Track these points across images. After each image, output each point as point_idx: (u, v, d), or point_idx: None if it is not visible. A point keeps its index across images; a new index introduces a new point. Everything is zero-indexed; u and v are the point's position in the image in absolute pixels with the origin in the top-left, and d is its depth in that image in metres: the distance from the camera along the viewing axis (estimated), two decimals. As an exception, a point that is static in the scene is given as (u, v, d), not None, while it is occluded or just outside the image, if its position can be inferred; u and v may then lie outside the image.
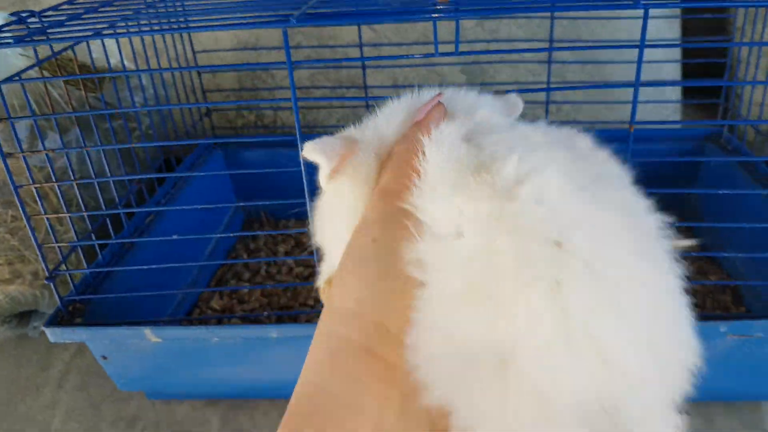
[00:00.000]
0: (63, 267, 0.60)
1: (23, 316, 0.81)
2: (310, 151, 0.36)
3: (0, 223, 0.73)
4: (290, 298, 0.80)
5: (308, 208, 0.53)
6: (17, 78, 0.56)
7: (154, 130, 0.85)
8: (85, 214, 0.63)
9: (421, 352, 0.27)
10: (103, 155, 0.70)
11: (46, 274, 0.59)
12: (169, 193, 0.85)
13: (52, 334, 0.58)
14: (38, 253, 0.57)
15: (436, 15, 0.43)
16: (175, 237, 0.63)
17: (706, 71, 0.95)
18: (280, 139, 1.03)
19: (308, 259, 0.87)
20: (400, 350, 0.27)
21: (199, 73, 0.97)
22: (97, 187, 0.66)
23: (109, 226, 0.69)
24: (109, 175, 0.71)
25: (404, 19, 0.44)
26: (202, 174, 0.93)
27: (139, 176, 0.78)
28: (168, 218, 0.81)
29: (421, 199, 0.31)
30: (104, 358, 0.62)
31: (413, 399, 0.27)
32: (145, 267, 0.63)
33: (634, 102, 0.52)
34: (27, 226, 0.57)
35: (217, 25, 0.47)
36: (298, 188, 0.52)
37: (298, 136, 0.51)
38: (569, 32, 0.96)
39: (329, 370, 0.28)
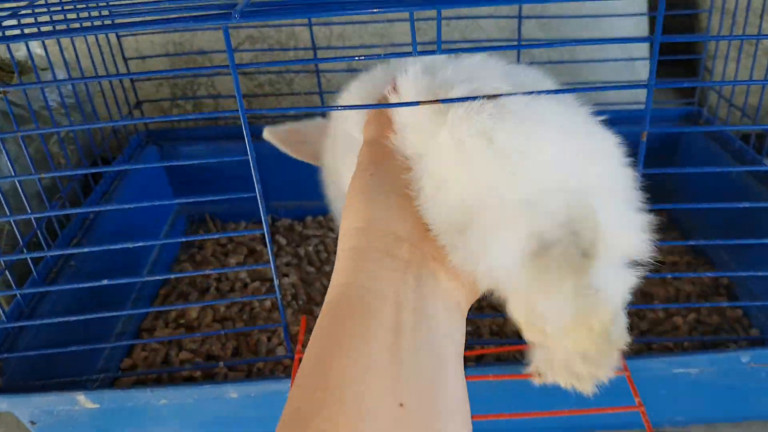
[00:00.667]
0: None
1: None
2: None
3: None
4: (247, 319, 0.71)
5: (261, 207, 0.44)
6: None
7: (75, 134, 0.73)
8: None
9: (430, 218, 0.35)
10: (11, 169, 0.58)
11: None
12: (99, 202, 0.73)
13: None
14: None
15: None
16: (103, 281, 0.52)
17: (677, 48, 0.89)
18: (223, 131, 0.93)
19: (264, 268, 0.78)
20: (410, 248, 0.35)
21: (125, 59, 0.85)
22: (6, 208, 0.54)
23: (29, 261, 0.58)
24: (22, 193, 0.59)
25: (370, 11, 0.34)
26: (135, 171, 0.82)
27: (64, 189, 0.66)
28: (98, 232, 0.70)
29: (398, 135, 0.39)
30: (33, 423, 0.52)
31: (424, 276, 0.34)
32: (69, 318, 0.52)
33: (648, 105, 0.44)
34: None
35: (147, 21, 0.36)
36: (246, 185, 0.43)
37: (249, 150, 0.42)
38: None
39: (354, 272, 0.34)
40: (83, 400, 0.46)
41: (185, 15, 0.35)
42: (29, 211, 0.59)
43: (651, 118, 0.81)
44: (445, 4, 0.34)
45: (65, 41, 0.73)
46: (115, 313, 0.57)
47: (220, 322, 0.70)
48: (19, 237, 0.56)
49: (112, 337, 0.67)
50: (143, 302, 0.73)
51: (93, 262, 0.67)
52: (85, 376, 0.59)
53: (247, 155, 0.41)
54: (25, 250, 0.58)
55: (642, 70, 0.94)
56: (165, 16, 0.36)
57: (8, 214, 0.54)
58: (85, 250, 0.62)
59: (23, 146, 0.61)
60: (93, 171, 0.64)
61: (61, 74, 0.71)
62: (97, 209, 0.55)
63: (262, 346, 0.66)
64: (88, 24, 0.64)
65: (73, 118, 0.74)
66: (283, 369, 0.63)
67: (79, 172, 0.47)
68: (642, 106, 0.46)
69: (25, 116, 0.69)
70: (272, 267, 0.46)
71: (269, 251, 0.46)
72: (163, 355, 0.66)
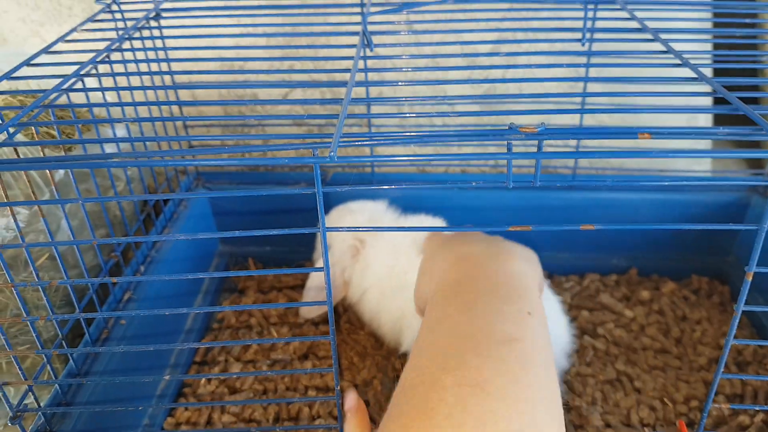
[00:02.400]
0: (30, 400, 0.49)
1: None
2: None
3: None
4: (288, 383, 0.70)
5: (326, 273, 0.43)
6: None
7: (135, 186, 0.74)
8: (53, 318, 0.52)
9: None
10: (71, 233, 0.59)
11: (9, 413, 0.48)
12: (149, 256, 0.74)
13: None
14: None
15: (516, 143, 0.33)
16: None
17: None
18: (271, 176, 0.93)
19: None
20: None
21: (180, 107, 0.86)
22: (71, 290, 0.55)
23: (83, 323, 0.58)
24: (79, 251, 0.60)
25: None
26: (183, 217, 0.82)
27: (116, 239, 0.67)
28: (148, 284, 0.70)
29: None
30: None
31: None
32: (117, 378, 0.53)
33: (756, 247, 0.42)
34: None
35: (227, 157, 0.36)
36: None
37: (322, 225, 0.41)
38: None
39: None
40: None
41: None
42: (84, 267, 0.60)
43: (717, 187, 0.80)
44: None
45: (124, 93, 0.74)
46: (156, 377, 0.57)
47: (261, 383, 0.70)
48: (73, 296, 0.56)
49: (158, 392, 0.67)
50: (188, 354, 0.73)
51: (142, 318, 0.68)
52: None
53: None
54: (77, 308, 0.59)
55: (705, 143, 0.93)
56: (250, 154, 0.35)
57: (64, 270, 0.54)
58: (133, 313, 0.62)
59: (81, 205, 0.61)
60: (135, 241, 0.64)
61: (120, 129, 0.72)
62: (138, 280, 0.55)
63: (304, 415, 0.66)
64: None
65: (130, 172, 0.75)
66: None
67: (125, 240, 0.46)
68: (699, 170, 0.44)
69: (84, 171, 0.69)
70: (331, 333, 0.45)
71: (329, 307, 0.44)
72: (206, 416, 0.66)
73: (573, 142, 0.82)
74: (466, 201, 0.83)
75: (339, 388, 0.47)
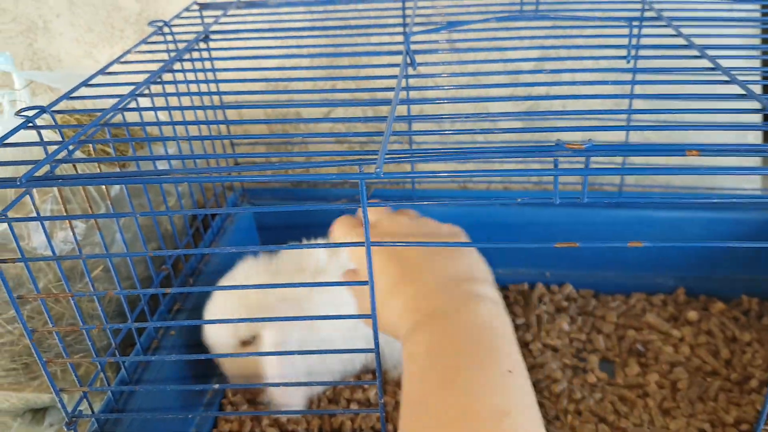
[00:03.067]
0: (84, 407, 0.51)
1: (38, 410, 0.73)
2: None
3: (13, 323, 0.64)
4: (330, 396, 0.71)
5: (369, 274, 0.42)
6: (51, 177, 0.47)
7: (186, 201, 0.76)
8: (107, 327, 0.54)
9: None
10: (125, 246, 0.61)
11: (66, 419, 0.50)
12: (197, 269, 0.76)
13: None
14: (55, 396, 0.48)
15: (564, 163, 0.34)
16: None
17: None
18: (313, 192, 0.95)
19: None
20: None
21: (228, 127, 0.88)
22: (124, 300, 0.57)
23: (134, 333, 0.60)
24: (132, 263, 0.62)
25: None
26: (230, 230, 0.84)
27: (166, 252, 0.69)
28: (196, 298, 0.72)
29: None
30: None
31: None
32: (168, 387, 0.54)
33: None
34: (38, 361, 0.48)
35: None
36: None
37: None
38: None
39: None
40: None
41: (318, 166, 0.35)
42: (136, 278, 0.62)
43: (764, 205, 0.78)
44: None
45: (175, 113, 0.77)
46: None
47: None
48: (126, 306, 0.58)
49: (204, 401, 0.69)
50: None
51: (189, 329, 0.69)
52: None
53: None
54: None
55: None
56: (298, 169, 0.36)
57: (118, 281, 0.56)
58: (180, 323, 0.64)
59: (135, 219, 0.64)
60: (186, 253, 0.66)
61: (172, 147, 0.74)
62: (188, 291, 0.57)
63: (346, 429, 0.67)
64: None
65: (181, 187, 0.77)
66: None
67: (176, 252, 0.47)
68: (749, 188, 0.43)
69: (138, 186, 0.72)
70: (376, 346, 0.45)
71: (374, 322, 0.44)
72: (249, 428, 0.67)
73: (618, 159, 0.81)
74: (509, 218, 0.83)
75: (383, 401, 0.47)
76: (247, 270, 0.67)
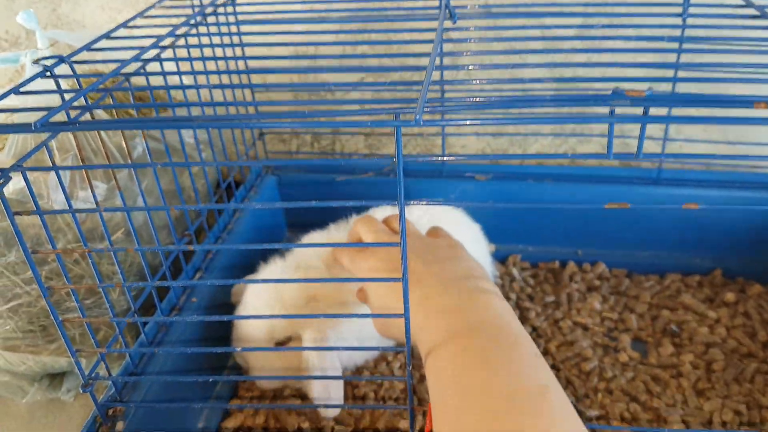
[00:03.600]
0: (103, 371, 0.50)
1: (55, 376, 0.72)
2: None
3: (31, 283, 0.63)
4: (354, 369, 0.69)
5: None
6: (70, 122, 0.45)
7: (205, 169, 0.74)
8: (125, 286, 0.53)
9: None
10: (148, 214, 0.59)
11: (82, 381, 0.48)
12: (220, 237, 0.74)
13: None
14: (71, 356, 0.46)
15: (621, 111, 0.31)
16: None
17: None
18: (339, 164, 0.93)
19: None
20: None
21: (252, 91, 0.86)
22: (143, 258, 0.55)
23: (155, 295, 0.59)
24: (153, 229, 0.61)
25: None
26: (253, 199, 0.82)
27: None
28: (220, 261, 0.71)
29: None
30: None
31: None
32: (188, 350, 0.53)
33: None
34: (54, 320, 0.46)
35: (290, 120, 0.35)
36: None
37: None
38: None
39: None
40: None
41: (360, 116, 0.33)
42: (158, 243, 0.61)
43: None
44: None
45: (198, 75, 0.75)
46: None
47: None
48: (145, 265, 0.57)
49: (226, 370, 0.67)
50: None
51: (211, 294, 0.68)
52: (199, 404, 0.60)
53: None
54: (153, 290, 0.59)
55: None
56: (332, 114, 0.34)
57: (137, 241, 0.54)
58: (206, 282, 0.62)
59: (156, 180, 0.62)
60: (210, 208, 0.64)
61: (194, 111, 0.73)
62: (214, 249, 0.55)
63: (369, 399, 0.65)
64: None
65: (205, 153, 0.75)
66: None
67: (197, 207, 0.45)
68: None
69: (160, 150, 0.70)
70: (406, 327, 0.43)
71: (405, 309, 0.43)
72: (270, 396, 0.65)
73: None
74: (544, 195, 0.81)
75: (410, 368, 0.45)
76: (274, 270, 0.65)
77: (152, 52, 0.56)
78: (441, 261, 0.47)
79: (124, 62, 0.46)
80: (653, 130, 0.83)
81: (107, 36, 0.53)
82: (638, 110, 0.31)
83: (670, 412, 0.61)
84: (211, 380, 0.50)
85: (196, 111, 0.74)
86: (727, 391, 0.63)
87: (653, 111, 0.72)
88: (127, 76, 0.50)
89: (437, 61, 0.70)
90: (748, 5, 0.47)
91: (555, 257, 0.83)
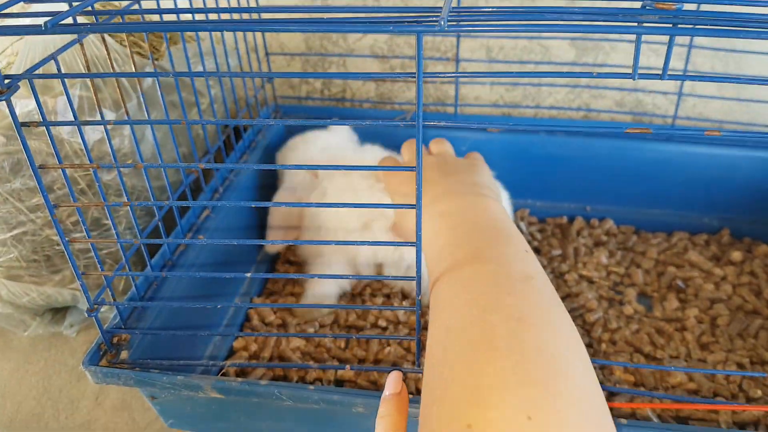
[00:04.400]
0: (108, 296, 0.49)
1: (58, 311, 0.72)
2: None
3: (36, 211, 0.62)
4: (360, 315, 0.69)
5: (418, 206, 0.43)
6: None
7: (217, 107, 0.73)
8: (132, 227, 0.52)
9: None
10: (155, 142, 0.58)
11: (87, 305, 0.48)
12: (227, 178, 0.74)
13: (94, 376, 0.48)
14: (78, 279, 0.46)
15: (648, 24, 0.30)
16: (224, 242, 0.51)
17: None
18: (350, 112, 0.92)
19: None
20: None
21: (263, 34, 0.85)
22: (147, 179, 0.54)
23: (161, 228, 0.58)
24: (161, 160, 0.60)
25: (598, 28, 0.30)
26: (262, 141, 0.82)
27: (191, 166, 0.67)
28: (234, 193, 0.71)
29: None
30: (153, 398, 0.52)
31: None
32: (198, 274, 0.53)
33: None
34: (59, 238, 0.46)
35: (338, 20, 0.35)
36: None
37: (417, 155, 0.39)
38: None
39: None
40: (209, 389, 0.46)
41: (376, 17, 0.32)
42: (167, 178, 0.60)
43: None
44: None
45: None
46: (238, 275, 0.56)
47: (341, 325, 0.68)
48: (151, 194, 0.56)
49: (240, 292, 0.68)
50: (265, 265, 0.73)
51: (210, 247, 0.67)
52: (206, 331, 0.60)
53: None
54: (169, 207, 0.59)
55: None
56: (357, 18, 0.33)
57: (148, 181, 0.54)
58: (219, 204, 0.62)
59: (165, 114, 0.61)
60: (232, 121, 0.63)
61: (206, 44, 0.71)
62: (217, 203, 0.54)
63: (373, 342, 0.65)
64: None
65: (214, 91, 0.74)
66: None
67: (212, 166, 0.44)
68: None
69: (170, 83, 0.69)
70: (417, 270, 0.43)
71: (417, 251, 0.42)
72: (274, 341, 0.65)
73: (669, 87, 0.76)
74: (554, 149, 0.80)
75: (419, 298, 0.45)
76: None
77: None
78: (457, 173, 0.53)
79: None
80: (667, 86, 0.82)
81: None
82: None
83: (673, 363, 0.61)
84: (219, 307, 0.49)
85: (205, 45, 0.73)
86: (731, 345, 0.63)
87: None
88: (144, 23, 0.48)
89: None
90: None
91: (563, 213, 0.82)
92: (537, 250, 0.77)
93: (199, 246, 0.63)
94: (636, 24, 0.29)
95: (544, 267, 0.74)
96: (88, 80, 0.59)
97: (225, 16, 0.77)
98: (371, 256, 0.68)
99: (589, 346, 0.64)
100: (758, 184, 0.78)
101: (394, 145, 0.72)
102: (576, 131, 0.81)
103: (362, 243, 0.42)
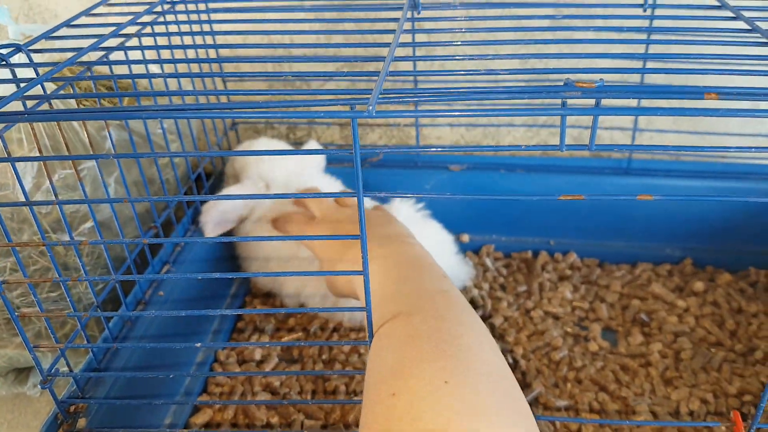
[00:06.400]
0: (63, 366, 0.49)
1: (21, 371, 0.71)
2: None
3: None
4: (326, 360, 0.69)
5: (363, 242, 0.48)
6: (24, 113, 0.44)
7: (172, 160, 0.73)
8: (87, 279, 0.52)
9: None
10: (111, 207, 0.58)
11: (41, 378, 0.47)
12: (189, 230, 0.74)
13: (50, 449, 0.48)
14: (30, 353, 0.46)
15: (573, 105, 0.31)
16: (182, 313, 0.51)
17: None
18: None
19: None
20: None
21: (224, 80, 0.85)
22: (107, 253, 0.54)
23: (119, 290, 0.58)
24: (116, 219, 0.60)
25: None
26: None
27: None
28: (189, 255, 0.70)
29: None
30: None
31: None
32: (147, 345, 0.52)
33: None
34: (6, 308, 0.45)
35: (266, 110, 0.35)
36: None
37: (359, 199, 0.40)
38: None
39: None
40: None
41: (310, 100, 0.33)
42: (122, 236, 0.60)
43: None
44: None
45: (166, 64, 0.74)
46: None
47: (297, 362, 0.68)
48: (108, 260, 0.56)
49: (193, 365, 0.67)
50: (230, 321, 0.73)
51: (180, 289, 0.67)
52: (163, 400, 0.59)
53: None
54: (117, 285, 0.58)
55: None
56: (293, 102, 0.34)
57: (99, 233, 0.53)
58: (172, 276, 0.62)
59: (120, 172, 0.61)
60: (175, 200, 0.63)
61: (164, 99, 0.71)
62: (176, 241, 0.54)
63: (341, 392, 0.65)
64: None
65: (172, 141, 0.74)
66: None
67: (157, 200, 0.45)
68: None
69: (128, 140, 0.69)
70: (367, 303, 0.44)
71: (366, 290, 0.43)
72: (240, 392, 0.65)
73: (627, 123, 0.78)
74: (514, 185, 0.81)
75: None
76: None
77: (117, 40, 0.55)
78: (380, 226, 0.60)
79: (82, 50, 0.46)
80: (624, 121, 0.83)
81: (68, 24, 0.52)
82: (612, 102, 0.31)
83: (638, 401, 0.62)
84: (172, 376, 0.49)
85: (164, 101, 0.73)
86: (694, 379, 0.64)
87: (624, 102, 0.72)
88: (89, 64, 0.49)
89: (409, 52, 0.69)
90: (723, 6, 0.47)
91: (528, 247, 0.83)
92: (503, 287, 0.78)
93: (161, 302, 0.63)
94: (561, 106, 0.30)
95: (510, 304, 0.74)
96: (32, 134, 0.59)
97: (184, 68, 0.78)
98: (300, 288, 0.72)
99: (555, 386, 0.64)
100: (717, 213, 0.79)
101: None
102: (535, 167, 0.82)
103: (319, 310, 0.43)
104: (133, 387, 0.55)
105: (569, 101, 0.31)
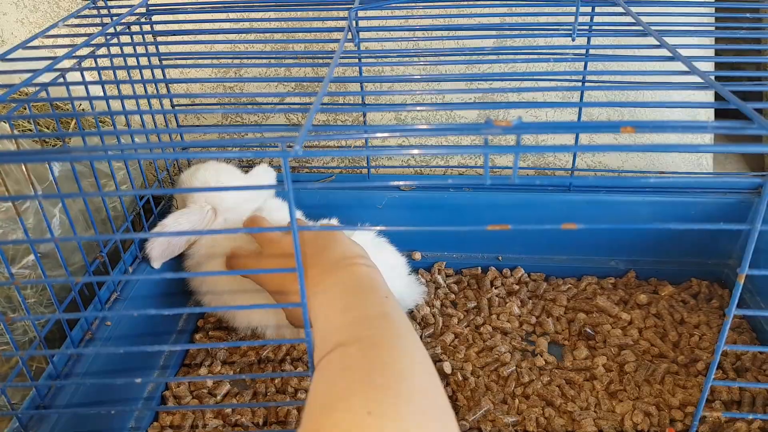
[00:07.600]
0: (3, 402, 0.48)
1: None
2: None
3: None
4: (279, 385, 0.69)
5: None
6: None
7: (126, 184, 0.72)
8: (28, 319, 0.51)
9: None
10: (51, 232, 0.58)
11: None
12: (137, 257, 0.73)
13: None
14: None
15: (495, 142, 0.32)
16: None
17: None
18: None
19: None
20: None
21: (175, 115, 0.85)
22: (51, 292, 0.54)
23: (64, 324, 0.57)
24: (59, 253, 0.59)
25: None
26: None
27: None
28: (135, 289, 0.70)
29: None
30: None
31: None
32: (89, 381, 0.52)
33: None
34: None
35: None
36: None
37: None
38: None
39: None
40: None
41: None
42: (66, 268, 0.59)
43: (719, 188, 0.78)
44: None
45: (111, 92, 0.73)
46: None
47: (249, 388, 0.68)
48: (52, 294, 0.56)
49: (144, 395, 0.66)
50: (178, 356, 0.72)
51: (128, 319, 0.66)
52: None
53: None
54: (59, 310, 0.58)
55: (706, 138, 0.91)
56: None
57: (42, 268, 0.53)
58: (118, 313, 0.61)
59: (63, 204, 0.61)
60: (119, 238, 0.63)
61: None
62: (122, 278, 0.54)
63: (292, 418, 0.65)
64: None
65: (119, 169, 0.74)
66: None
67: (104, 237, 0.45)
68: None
69: (69, 171, 0.69)
70: (307, 335, 0.45)
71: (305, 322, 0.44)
72: (191, 420, 0.64)
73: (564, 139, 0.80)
74: (462, 201, 0.82)
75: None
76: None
77: (52, 75, 0.55)
78: (324, 249, 0.60)
79: (14, 87, 0.45)
80: (566, 139, 0.86)
81: (1, 58, 0.52)
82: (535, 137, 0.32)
83: (583, 415, 0.63)
84: (113, 412, 0.49)
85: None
86: (638, 392, 0.66)
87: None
88: (29, 102, 0.48)
89: (355, 72, 0.70)
90: (662, 46, 0.49)
91: (477, 263, 0.84)
92: (454, 304, 0.79)
93: (109, 331, 0.63)
94: (484, 144, 0.31)
95: (461, 321, 0.76)
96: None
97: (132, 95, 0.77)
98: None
99: (503, 402, 0.65)
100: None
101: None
102: (483, 186, 0.83)
103: (262, 343, 0.43)
104: (79, 423, 0.54)
105: (490, 138, 0.32)
